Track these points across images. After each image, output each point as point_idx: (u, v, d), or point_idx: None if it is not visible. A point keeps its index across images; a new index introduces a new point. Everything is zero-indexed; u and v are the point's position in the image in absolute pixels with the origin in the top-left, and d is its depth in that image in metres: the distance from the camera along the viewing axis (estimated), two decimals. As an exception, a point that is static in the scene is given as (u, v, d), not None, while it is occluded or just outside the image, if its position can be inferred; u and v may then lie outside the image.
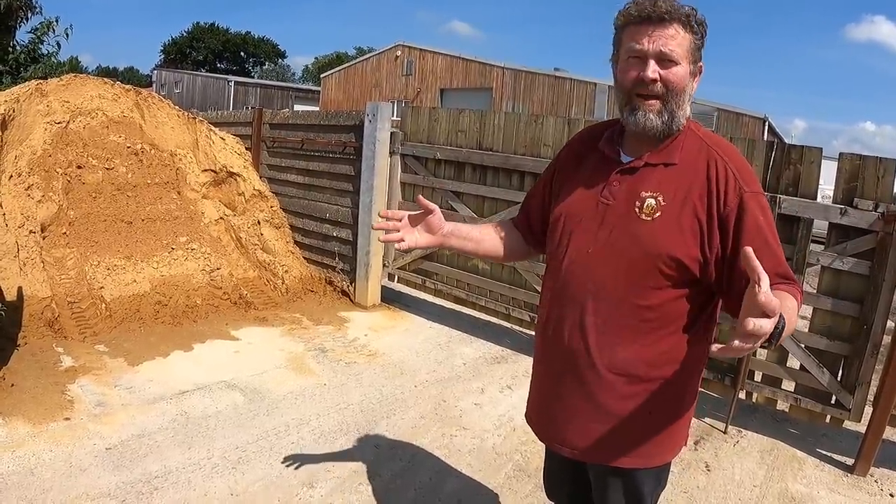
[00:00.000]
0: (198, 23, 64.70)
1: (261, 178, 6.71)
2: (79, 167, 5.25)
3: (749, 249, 1.16)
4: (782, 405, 4.06)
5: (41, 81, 5.79)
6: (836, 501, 3.30)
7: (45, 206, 4.91)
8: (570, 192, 1.71)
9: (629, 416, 1.64)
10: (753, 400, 4.11)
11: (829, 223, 3.66)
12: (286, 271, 6.10)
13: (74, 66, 10.55)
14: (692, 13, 1.49)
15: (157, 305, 5.01)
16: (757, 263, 1.14)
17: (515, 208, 4.47)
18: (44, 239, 4.83)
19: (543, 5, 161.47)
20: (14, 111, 5.31)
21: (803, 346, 3.81)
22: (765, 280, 1.13)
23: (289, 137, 6.58)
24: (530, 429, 1.94)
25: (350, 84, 35.78)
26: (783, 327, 1.21)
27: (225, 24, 68.18)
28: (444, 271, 5.63)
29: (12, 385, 3.70)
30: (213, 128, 6.62)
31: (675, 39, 1.48)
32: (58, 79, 5.81)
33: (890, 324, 3.62)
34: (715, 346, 1.23)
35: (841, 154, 3.62)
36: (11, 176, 4.89)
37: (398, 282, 6.13)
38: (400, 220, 1.75)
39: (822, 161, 3.71)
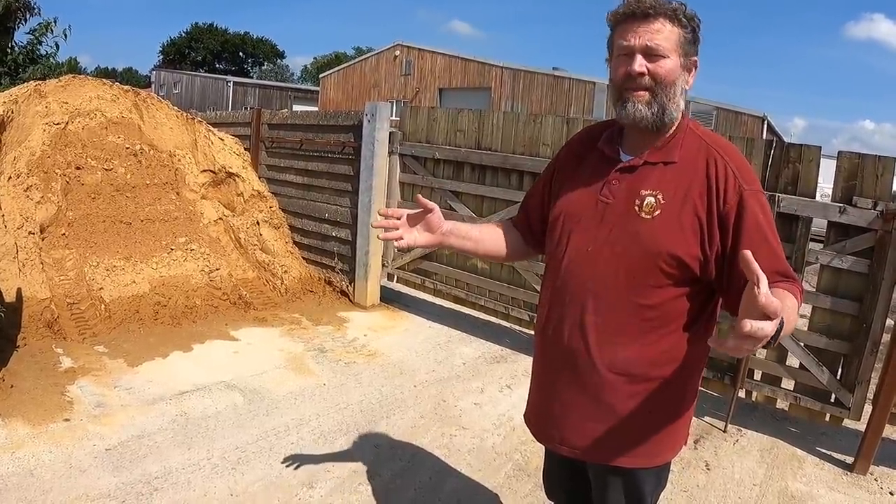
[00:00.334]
0: (196, 23, 64.69)
1: (260, 178, 6.71)
2: (78, 168, 5.25)
3: (747, 253, 1.14)
4: (782, 404, 4.06)
5: (40, 82, 5.79)
6: (836, 500, 3.30)
7: (44, 208, 4.91)
8: (570, 191, 1.71)
9: (629, 416, 1.64)
10: (753, 399, 4.11)
11: (829, 221, 3.66)
12: (285, 271, 6.10)
13: (73, 67, 10.52)
14: (680, 7, 1.51)
15: (157, 306, 5.01)
16: (756, 266, 1.12)
17: (514, 208, 4.48)
18: (43, 240, 4.83)
19: (543, 5, 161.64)
20: (13, 112, 5.31)
21: (803, 344, 3.81)
22: (763, 282, 1.12)
23: (287, 138, 6.58)
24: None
25: (349, 84, 35.76)
26: (782, 327, 1.20)
27: (223, 25, 68.31)
28: (444, 271, 5.63)
29: (12, 386, 3.70)
30: (211, 128, 6.62)
31: (661, 33, 1.50)
32: (56, 80, 5.82)
33: (889, 322, 3.62)
34: (711, 340, 1.23)
35: (840, 152, 3.62)
36: (10, 177, 4.89)
37: (397, 282, 6.12)
38: (399, 219, 1.74)
39: (821, 159, 3.71)
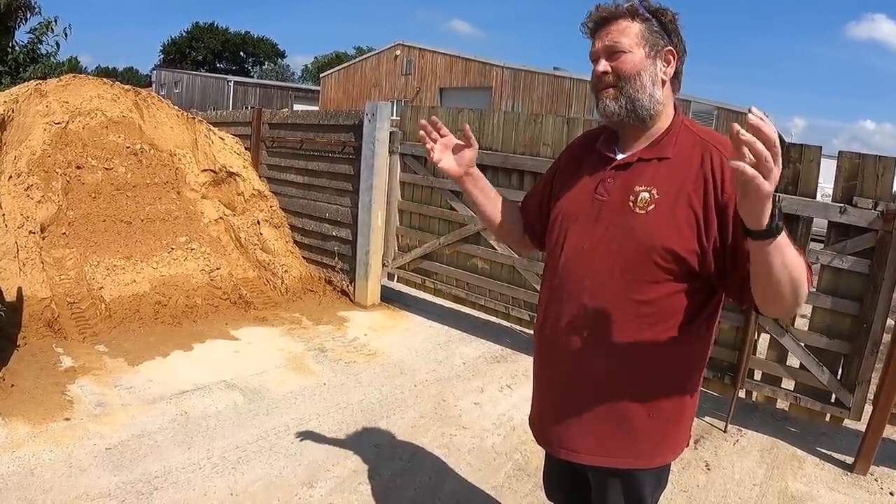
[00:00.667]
0: (197, 23, 64.73)
1: (260, 177, 6.71)
2: (78, 167, 5.25)
3: (752, 114, 1.16)
4: (782, 404, 4.06)
5: (40, 82, 5.79)
6: (836, 500, 3.30)
7: (44, 207, 4.91)
8: (568, 191, 1.73)
9: (627, 416, 1.63)
10: (753, 399, 4.10)
11: (829, 221, 3.66)
12: (286, 271, 6.10)
13: (73, 67, 10.53)
14: (638, 6, 1.57)
15: (157, 305, 5.01)
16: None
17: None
18: (43, 239, 4.83)
19: (543, 4, 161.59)
20: (13, 112, 5.31)
21: (803, 344, 3.81)
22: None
23: (288, 137, 6.58)
24: (529, 429, 1.94)
25: (349, 83, 35.77)
26: (781, 207, 1.23)
27: (224, 24, 68.18)
28: (444, 271, 5.63)
29: (12, 385, 3.70)
30: (212, 128, 6.62)
31: (619, 31, 1.56)
32: (57, 79, 5.82)
33: (890, 322, 3.62)
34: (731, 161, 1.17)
35: (840, 152, 3.62)
36: (11, 176, 4.89)
37: (398, 281, 6.12)
38: (441, 136, 1.85)
39: (822, 159, 3.71)
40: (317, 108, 33.55)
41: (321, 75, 40.20)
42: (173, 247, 5.45)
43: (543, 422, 1.84)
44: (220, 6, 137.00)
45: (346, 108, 28.65)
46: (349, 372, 4.43)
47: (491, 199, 1.93)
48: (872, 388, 3.67)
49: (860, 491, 3.41)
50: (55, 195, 5.00)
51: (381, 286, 6.11)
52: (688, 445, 1.78)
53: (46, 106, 5.36)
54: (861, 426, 3.70)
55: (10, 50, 9.76)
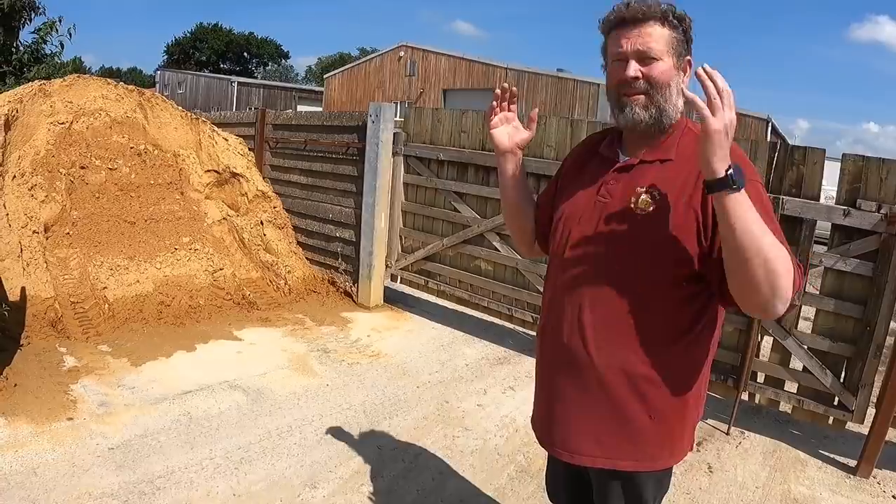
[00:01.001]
0: (201, 23, 64.80)
1: (264, 178, 6.71)
2: (82, 167, 5.26)
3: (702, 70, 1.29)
4: (785, 406, 4.05)
5: (44, 82, 5.80)
6: (839, 503, 3.30)
7: (48, 207, 4.92)
8: (571, 194, 1.73)
9: (629, 418, 1.63)
10: (756, 401, 4.10)
11: (832, 224, 3.65)
12: (289, 272, 6.10)
13: (77, 67, 10.53)
14: (669, 9, 1.53)
15: (160, 306, 5.02)
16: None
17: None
18: (47, 239, 4.84)
19: (547, 5, 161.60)
20: (17, 111, 5.32)
21: (806, 347, 3.80)
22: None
23: (292, 138, 6.59)
24: (532, 430, 1.94)
25: (353, 84, 35.77)
26: (734, 166, 1.30)
27: (228, 25, 68.26)
28: (447, 272, 5.63)
29: (15, 385, 3.71)
30: (216, 128, 6.63)
31: (651, 37, 1.52)
32: (61, 79, 5.82)
33: (893, 325, 3.61)
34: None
35: (844, 155, 3.62)
36: (15, 176, 4.90)
37: (401, 282, 6.13)
38: (509, 110, 1.83)
39: (826, 162, 3.70)
40: (320, 109, 33.55)
41: (325, 76, 40.19)
42: (177, 247, 5.46)
43: (545, 423, 1.83)
44: (224, 7, 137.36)
45: (350, 110, 28.66)
46: (352, 373, 4.44)
47: (521, 188, 1.92)
48: (875, 391, 3.66)
49: (863, 494, 3.40)
50: (59, 195, 5.01)
51: (385, 287, 6.11)
52: (691, 449, 1.77)
53: (50, 106, 5.37)
54: (864, 429, 3.69)
55: (14, 50, 9.78)
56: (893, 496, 3.40)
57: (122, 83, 6.10)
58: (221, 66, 63.67)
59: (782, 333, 3.85)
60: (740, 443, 3.86)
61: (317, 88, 44.76)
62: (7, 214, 4.66)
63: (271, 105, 36.93)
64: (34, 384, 3.77)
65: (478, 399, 4.19)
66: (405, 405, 4.02)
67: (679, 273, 1.52)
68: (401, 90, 32.93)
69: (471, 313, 5.72)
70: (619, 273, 1.57)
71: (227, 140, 6.59)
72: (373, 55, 36.57)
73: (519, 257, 5.02)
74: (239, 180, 6.35)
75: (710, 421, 4.04)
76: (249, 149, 6.88)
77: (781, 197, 3.71)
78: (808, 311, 3.93)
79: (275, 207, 6.53)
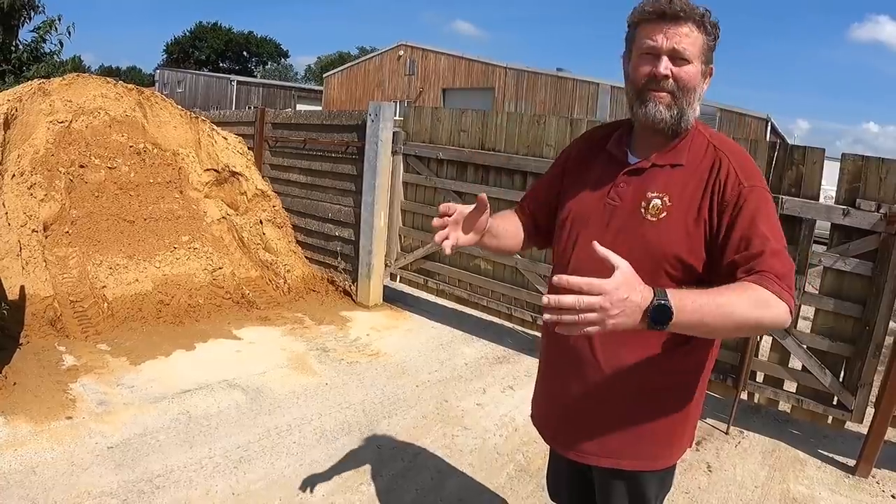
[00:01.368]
0: (200, 22, 64.69)
1: (263, 177, 6.71)
2: (81, 166, 5.26)
3: (595, 244, 1.28)
4: (784, 406, 4.05)
5: (44, 81, 5.80)
6: (838, 503, 3.30)
7: (47, 205, 4.91)
8: (577, 193, 1.70)
9: (634, 418, 1.63)
10: (755, 401, 4.10)
11: (832, 224, 3.65)
12: (288, 271, 6.10)
13: (77, 66, 10.52)
14: (706, 14, 1.50)
15: (160, 305, 5.02)
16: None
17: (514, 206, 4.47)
18: (46, 238, 4.84)
19: (546, 5, 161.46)
20: (17, 110, 5.32)
21: (805, 346, 3.81)
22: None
23: (291, 137, 6.59)
24: (532, 429, 1.93)
25: (353, 84, 35.74)
26: (656, 308, 1.23)
27: (228, 24, 68.11)
28: (446, 271, 5.63)
29: (14, 384, 3.71)
30: (215, 127, 6.63)
31: (688, 38, 1.49)
32: (60, 78, 5.82)
33: (892, 325, 3.61)
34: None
35: (844, 155, 3.62)
36: (14, 175, 4.90)
37: (400, 281, 6.13)
38: (450, 216, 1.62)
39: (825, 162, 3.71)
40: (320, 108, 33.56)
41: (324, 75, 40.16)
42: (176, 246, 5.45)
43: (550, 422, 1.83)
44: (224, 6, 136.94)
45: (349, 109, 28.66)
46: (351, 372, 4.44)
47: (502, 237, 1.83)
48: (875, 390, 3.66)
49: (862, 493, 3.40)
50: (58, 194, 5.01)
51: (384, 286, 6.11)
52: (690, 446, 1.78)
53: (50, 105, 5.37)
54: (863, 429, 3.69)
55: (13, 49, 9.77)
56: (892, 495, 3.40)
57: (121, 82, 6.10)
58: (221, 64, 63.59)
59: (781, 333, 3.85)
60: (739, 442, 3.86)
61: (316, 87, 44.70)
62: (6, 213, 4.65)
63: (270, 104, 36.88)
64: (33, 383, 3.77)
65: (477, 398, 4.19)
66: (404, 404, 4.02)
67: (686, 280, 1.51)
68: (400, 89, 32.91)
69: (470, 312, 5.72)
70: None
71: (226, 139, 6.59)
72: (372, 54, 36.54)
73: (518, 256, 5.02)
74: (238, 179, 6.34)
75: (709, 420, 4.04)
76: (249, 148, 6.88)
77: (781, 196, 3.71)
78: (808, 311, 3.93)
79: (274, 206, 6.53)
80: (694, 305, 1.27)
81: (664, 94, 1.52)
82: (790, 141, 23.24)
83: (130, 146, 5.60)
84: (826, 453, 3.78)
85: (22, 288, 4.40)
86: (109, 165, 5.42)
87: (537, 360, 1.94)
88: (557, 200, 1.80)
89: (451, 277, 5.62)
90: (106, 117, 5.57)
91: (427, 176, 5.61)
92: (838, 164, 3.62)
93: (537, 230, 1.91)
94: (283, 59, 71.79)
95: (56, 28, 10.03)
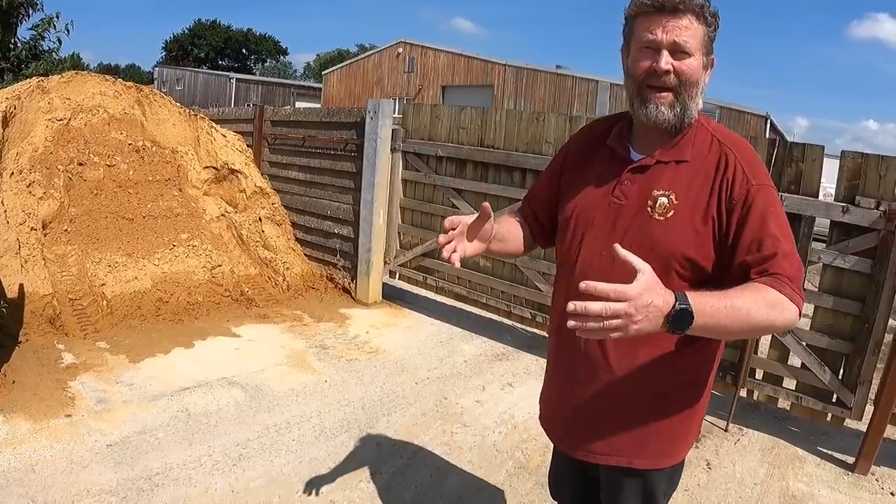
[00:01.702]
0: (199, 20, 64.60)
1: (262, 175, 6.71)
2: (80, 164, 5.25)
3: (617, 246, 1.26)
4: (783, 403, 4.05)
5: (42, 78, 5.79)
6: (837, 500, 3.30)
7: (46, 203, 4.91)
8: (580, 190, 1.67)
9: (645, 417, 1.62)
10: (755, 398, 4.10)
11: (831, 221, 3.65)
12: (287, 268, 6.10)
13: (76, 63, 10.48)
14: (706, 4, 1.47)
15: (159, 302, 5.02)
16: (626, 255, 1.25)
17: (517, 206, 4.48)
18: (45, 236, 4.84)
19: (546, 3, 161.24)
20: (15, 108, 5.31)
21: (805, 344, 3.81)
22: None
23: (290, 134, 6.58)
24: (531, 426, 1.93)
25: (352, 81, 35.70)
26: (678, 313, 1.23)
27: (227, 22, 68.10)
28: (445, 268, 5.63)
29: (13, 382, 3.70)
30: (214, 125, 6.62)
31: (688, 30, 1.45)
32: (59, 76, 5.82)
33: (891, 322, 3.62)
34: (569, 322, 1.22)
35: (843, 152, 3.62)
36: (13, 173, 4.89)
37: (399, 279, 6.13)
38: (454, 229, 1.60)
39: (825, 159, 3.71)
40: (319, 106, 33.52)
41: (323, 73, 40.13)
42: (175, 244, 5.45)
43: (559, 423, 1.82)
44: (223, 3, 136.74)
45: (349, 106, 28.64)
46: (350, 369, 4.44)
47: (509, 241, 1.83)
48: (874, 388, 3.67)
49: (861, 491, 3.40)
50: (57, 192, 5.01)
51: (383, 284, 6.11)
52: (696, 440, 1.77)
53: (48, 103, 5.36)
54: (862, 426, 3.70)
55: (12, 46, 9.74)
56: (892, 493, 3.41)
57: (120, 80, 6.09)
58: (220, 62, 63.55)
59: (781, 330, 3.85)
60: (739, 439, 3.86)
61: (315, 85, 44.65)
62: (5, 211, 4.65)
63: (270, 101, 36.87)
64: (32, 381, 3.76)
65: (476, 395, 4.19)
66: (403, 401, 4.02)
67: (695, 278, 1.50)
68: (399, 87, 32.87)
69: (469, 310, 5.72)
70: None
71: (225, 136, 6.58)
72: (371, 52, 36.50)
73: (517, 254, 5.00)
74: (237, 177, 6.34)
75: (708, 417, 4.04)
76: (248, 145, 6.88)
77: (781, 194, 3.70)
78: (807, 308, 3.90)
79: (273, 204, 6.52)
80: (713, 309, 1.28)
81: (666, 93, 1.49)
82: (789, 138, 23.23)
83: (129, 144, 5.60)
84: (825, 450, 3.79)
85: (21, 286, 4.40)
86: (108, 163, 5.42)
87: (536, 358, 1.94)
88: (558, 198, 1.78)
89: (450, 275, 5.62)
90: (105, 115, 5.56)
91: (426, 173, 5.60)
92: (838, 161, 3.62)
93: (541, 230, 1.90)
94: (282, 57, 71.75)
95: (54, 26, 10.00)
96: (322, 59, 70.25)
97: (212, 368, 4.22)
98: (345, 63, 38.08)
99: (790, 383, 3.99)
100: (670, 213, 1.50)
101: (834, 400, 3.78)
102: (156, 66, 53.03)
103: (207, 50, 63.29)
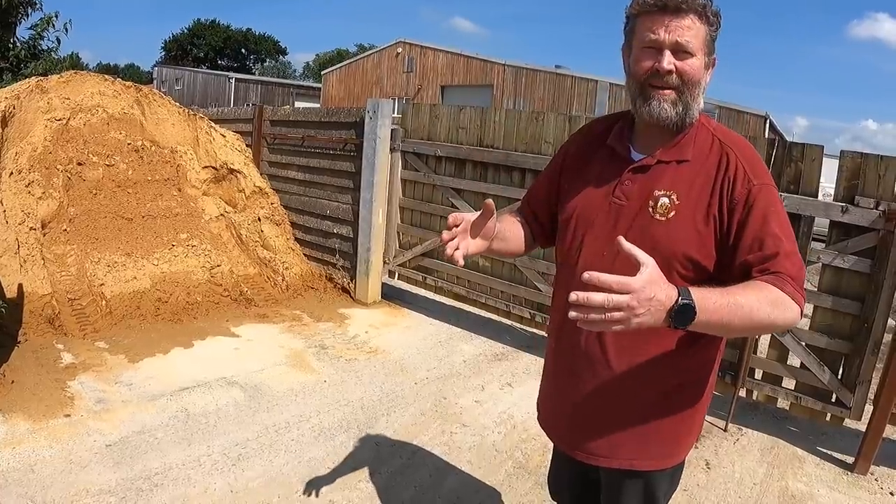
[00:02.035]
0: (199, 19, 64.62)
1: (261, 174, 6.71)
2: (79, 164, 5.25)
3: (621, 239, 1.25)
4: (783, 403, 4.05)
5: (41, 78, 5.78)
6: (836, 500, 3.30)
7: (45, 203, 4.91)
8: (580, 190, 1.67)
9: (646, 417, 1.62)
10: (754, 398, 4.10)
11: (830, 221, 3.65)
12: (287, 268, 6.10)
13: (75, 63, 10.48)
14: (708, 4, 1.46)
15: (158, 302, 5.01)
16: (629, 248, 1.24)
17: (516, 206, 4.48)
18: (44, 236, 4.83)
19: (545, 3, 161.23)
20: (14, 108, 5.31)
21: (804, 343, 3.81)
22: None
23: (289, 134, 6.58)
24: (531, 426, 1.93)
25: (351, 81, 35.71)
26: (680, 308, 1.23)
27: (226, 21, 68.12)
28: (445, 268, 5.63)
29: (13, 382, 3.70)
30: (213, 124, 6.62)
31: (691, 30, 1.45)
32: (58, 75, 5.81)
33: (891, 322, 3.61)
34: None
35: (842, 152, 3.62)
36: (12, 173, 4.89)
37: (398, 279, 6.12)
38: (457, 227, 1.59)
39: (824, 159, 3.71)
40: (318, 106, 33.51)
41: (322, 72, 40.15)
42: (174, 243, 5.45)
43: (558, 422, 1.81)
44: (222, 3, 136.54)
45: (348, 106, 28.64)
46: (350, 369, 4.44)
47: (510, 240, 1.82)
48: (873, 387, 3.67)
49: (860, 491, 3.41)
50: (56, 192, 5.00)
51: (382, 283, 6.11)
52: (696, 441, 1.77)
53: (47, 102, 5.36)
54: (861, 426, 3.70)
55: (11, 46, 9.73)
56: (891, 492, 3.41)
57: (119, 79, 6.09)
58: (219, 62, 63.54)
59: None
60: (738, 439, 3.86)
61: (314, 85, 44.65)
62: (4, 211, 4.64)
63: (269, 101, 36.86)
64: (31, 381, 3.76)
65: (475, 395, 4.19)
66: (403, 401, 4.02)
67: (696, 278, 1.49)
68: (398, 86, 32.87)
69: (468, 310, 5.72)
70: None
71: (224, 136, 6.58)
72: (370, 51, 36.51)
73: (517, 254, 5.00)
74: (236, 176, 6.33)
75: (707, 417, 4.02)
76: (247, 145, 6.88)
77: (780, 193, 3.70)
78: (807, 308, 3.89)
79: (272, 204, 6.52)
80: (715, 305, 1.28)
81: (668, 90, 1.49)
82: (789, 138, 23.23)
83: (128, 144, 5.59)
84: (824, 450, 3.79)
85: (20, 286, 4.40)
86: (107, 163, 5.41)
87: (536, 357, 1.93)
88: (558, 198, 1.77)
89: (449, 274, 5.62)
90: (104, 115, 5.56)
91: (425, 173, 5.60)
92: (837, 161, 3.62)
93: (541, 230, 1.89)
94: (281, 57, 71.77)
95: (53, 25, 9.99)
96: (321, 58, 70.24)
97: (211, 368, 4.21)
98: (344, 63, 38.09)
99: (789, 383, 3.99)
100: (672, 214, 1.50)
101: (833, 400, 3.78)
102: (155, 65, 53.05)
103: (207, 50, 63.29)
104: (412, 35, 37.08)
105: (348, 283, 6.13)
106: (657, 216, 1.51)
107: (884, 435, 3.55)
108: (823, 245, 3.70)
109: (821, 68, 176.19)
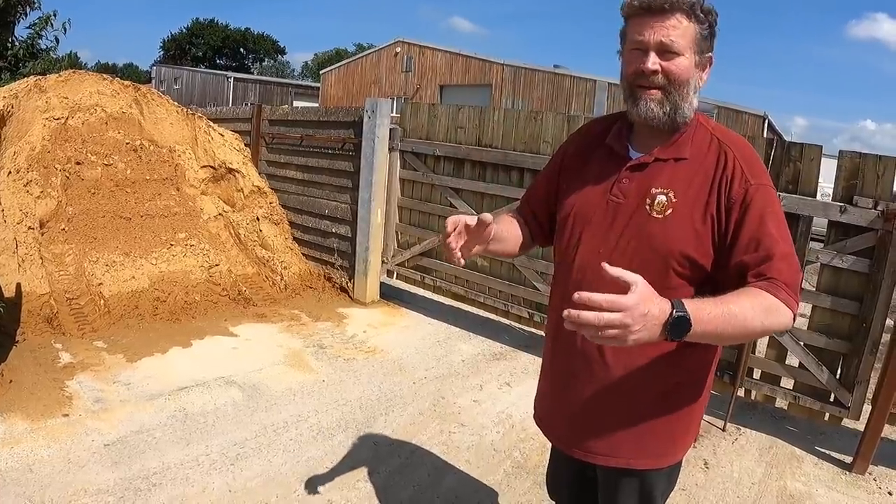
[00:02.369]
0: (197, 19, 64.57)
1: (260, 174, 6.70)
2: (77, 163, 5.24)
3: (605, 265, 1.23)
4: (781, 403, 4.06)
5: (40, 77, 5.78)
6: (835, 499, 3.31)
7: (43, 202, 4.90)
8: (578, 189, 1.67)
9: (643, 417, 1.62)
10: (752, 397, 4.11)
11: (829, 221, 3.66)
12: (285, 268, 6.09)
13: (73, 62, 10.49)
14: (697, 2, 1.46)
15: (156, 302, 5.01)
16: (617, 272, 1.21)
17: (514, 205, 4.47)
18: (42, 235, 4.82)
19: (544, 2, 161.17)
20: (13, 107, 5.30)
21: (802, 343, 3.81)
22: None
23: (288, 134, 6.58)
24: (529, 426, 1.93)
25: (349, 80, 35.70)
26: (675, 321, 1.23)
27: (224, 21, 68.03)
28: (443, 268, 5.63)
29: (11, 381, 3.69)
30: (212, 124, 6.61)
31: (676, 30, 1.45)
32: (56, 75, 5.81)
33: (889, 322, 3.62)
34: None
35: (841, 152, 3.62)
36: (10, 172, 4.88)
37: (397, 278, 6.12)
38: (456, 231, 1.57)
39: (822, 159, 3.71)
40: (317, 105, 33.48)
41: (321, 72, 40.12)
42: (172, 243, 5.44)
43: (556, 422, 1.81)
44: (221, 3, 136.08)
45: (346, 105, 28.62)
46: (348, 369, 4.43)
47: (507, 241, 1.82)
48: (871, 387, 3.67)
49: (859, 490, 3.41)
50: (54, 191, 5.00)
51: (381, 283, 6.11)
52: (694, 440, 1.77)
53: (46, 101, 5.35)
54: (860, 426, 3.70)
55: (9, 45, 9.73)
56: (889, 492, 3.41)
57: (117, 79, 6.08)
58: (217, 61, 63.50)
59: (778, 330, 3.85)
60: (736, 439, 3.86)
61: (313, 84, 44.61)
62: (2, 210, 4.64)
63: (267, 101, 36.82)
64: (30, 380, 3.76)
65: (474, 395, 4.19)
66: (401, 401, 4.01)
67: (693, 277, 1.50)
68: (397, 86, 32.87)
69: (467, 309, 5.72)
70: None
71: (223, 136, 6.57)
72: (369, 51, 36.50)
73: (515, 253, 5.01)
74: (235, 176, 6.33)
75: (706, 417, 4.04)
76: (245, 144, 6.87)
77: (778, 193, 3.70)
78: (805, 308, 3.92)
79: (271, 203, 6.51)
80: (709, 316, 1.28)
81: (654, 90, 1.49)
82: (787, 138, 23.25)
83: (127, 143, 5.59)
84: (823, 450, 3.79)
85: (18, 285, 4.39)
86: (106, 162, 5.41)
87: (534, 357, 1.93)
88: (557, 197, 1.77)
89: (447, 274, 5.62)
90: (102, 114, 5.55)
91: (424, 172, 5.60)
92: (835, 161, 3.62)
93: (540, 229, 1.89)
94: (279, 56, 71.74)
95: (52, 24, 9.99)
96: (320, 58, 70.16)
97: (209, 368, 4.21)
98: (343, 62, 38.09)
99: (788, 383, 3.99)
100: (669, 212, 1.50)
101: (831, 399, 3.78)
102: (153, 64, 53.00)
103: (205, 49, 63.24)
104: (411, 34, 37.09)
105: (347, 283, 6.12)
106: (654, 214, 1.51)
107: (882, 434, 3.55)
108: (822, 245, 3.71)
109: (819, 68, 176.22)
